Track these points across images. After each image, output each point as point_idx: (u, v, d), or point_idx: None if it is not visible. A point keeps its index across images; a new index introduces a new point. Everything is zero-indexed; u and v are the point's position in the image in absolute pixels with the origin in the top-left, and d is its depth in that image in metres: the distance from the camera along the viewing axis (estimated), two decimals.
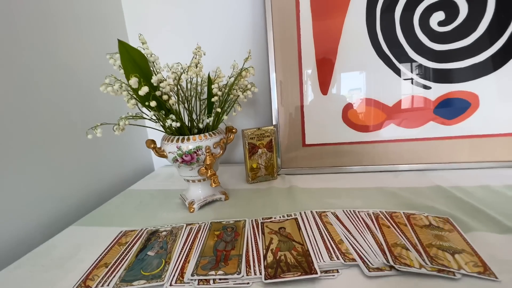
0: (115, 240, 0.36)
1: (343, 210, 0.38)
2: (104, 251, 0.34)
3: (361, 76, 0.52)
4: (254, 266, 0.28)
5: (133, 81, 0.29)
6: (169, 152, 0.39)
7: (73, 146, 0.47)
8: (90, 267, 0.31)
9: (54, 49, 0.44)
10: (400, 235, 0.31)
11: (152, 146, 0.39)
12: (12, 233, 0.37)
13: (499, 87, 0.47)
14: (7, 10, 0.37)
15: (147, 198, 0.50)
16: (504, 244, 0.29)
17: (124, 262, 0.31)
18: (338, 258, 0.28)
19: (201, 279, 0.27)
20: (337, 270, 0.27)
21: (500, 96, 0.48)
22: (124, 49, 0.30)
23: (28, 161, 0.39)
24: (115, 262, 0.31)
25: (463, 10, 0.46)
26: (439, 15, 0.47)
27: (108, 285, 0.27)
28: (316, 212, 0.38)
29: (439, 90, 0.49)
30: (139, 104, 0.37)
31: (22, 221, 0.39)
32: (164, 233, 0.36)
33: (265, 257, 0.29)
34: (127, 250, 0.33)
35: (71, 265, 0.31)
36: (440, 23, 0.47)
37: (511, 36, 0.45)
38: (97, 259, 0.32)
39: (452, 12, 0.46)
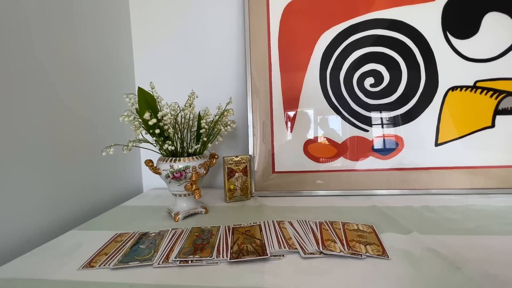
0: (112, 239, 0.44)
1: (297, 220, 0.48)
2: (103, 245, 0.42)
3: (318, 119, 0.67)
4: (223, 252, 0.38)
5: (147, 115, 0.42)
6: (163, 170, 0.50)
7: (76, 164, 0.56)
8: (93, 255, 0.39)
9: (75, 74, 0.57)
10: (333, 234, 0.42)
11: (150, 164, 0.50)
12: (22, 231, 0.44)
13: (417, 133, 0.64)
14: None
15: (137, 211, 0.58)
16: (402, 240, 0.40)
17: (121, 252, 0.39)
18: (285, 247, 0.38)
19: (182, 260, 0.36)
20: (283, 255, 0.37)
21: (418, 139, 0.64)
22: (141, 93, 0.43)
23: (39, 174, 0.49)
24: (113, 252, 0.39)
25: (386, 78, 0.64)
26: (370, 80, 0.65)
27: (109, 265, 0.36)
28: (276, 221, 0.48)
29: (374, 132, 0.65)
30: (143, 132, 0.48)
31: (31, 221, 0.46)
32: (153, 234, 0.45)
33: (232, 247, 0.39)
34: (123, 245, 0.42)
35: (76, 255, 0.39)
36: (371, 85, 0.65)
37: (418, 100, 0.63)
38: (98, 250, 0.40)
39: (379, 79, 0.64)
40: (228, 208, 0.59)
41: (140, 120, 0.46)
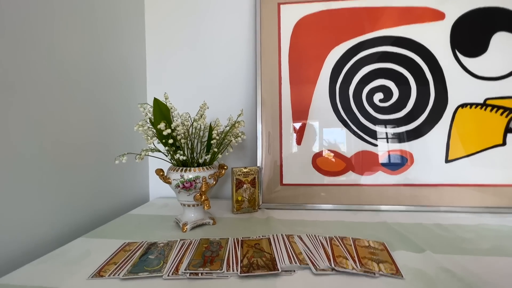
0: (120, 248, 0.44)
1: (306, 234, 0.48)
2: (111, 254, 0.41)
3: (327, 132, 0.67)
4: (233, 266, 0.37)
5: (162, 125, 0.43)
6: (173, 179, 0.50)
7: (84, 172, 0.57)
8: (102, 264, 0.38)
9: (88, 82, 0.58)
10: (344, 250, 0.41)
11: (161, 173, 0.50)
12: (31, 237, 0.45)
13: (426, 149, 0.63)
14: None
15: (145, 220, 0.58)
16: (416, 258, 0.39)
17: (130, 262, 0.39)
18: (295, 262, 0.37)
19: (192, 272, 0.35)
20: (294, 270, 0.36)
21: (427, 155, 0.63)
22: (157, 103, 0.44)
23: (47, 181, 0.49)
24: (122, 261, 0.39)
25: (395, 93, 0.65)
26: (380, 95, 0.65)
27: (118, 275, 0.35)
28: (285, 235, 0.48)
29: (383, 147, 0.65)
30: (155, 141, 0.49)
31: (40, 227, 0.46)
32: (161, 244, 0.45)
33: (241, 261, 0.38)
34: (131, 254, 0.41)
35: (85, 263, 0.39)
36: (381, 100, 0.65)
37: (428, 116, 0.63)
38: (107, 259, 0.40)
39: (388, 94, 0.65)
40: (236, 220, 0.58)
41: (154, 129, 0.46)
